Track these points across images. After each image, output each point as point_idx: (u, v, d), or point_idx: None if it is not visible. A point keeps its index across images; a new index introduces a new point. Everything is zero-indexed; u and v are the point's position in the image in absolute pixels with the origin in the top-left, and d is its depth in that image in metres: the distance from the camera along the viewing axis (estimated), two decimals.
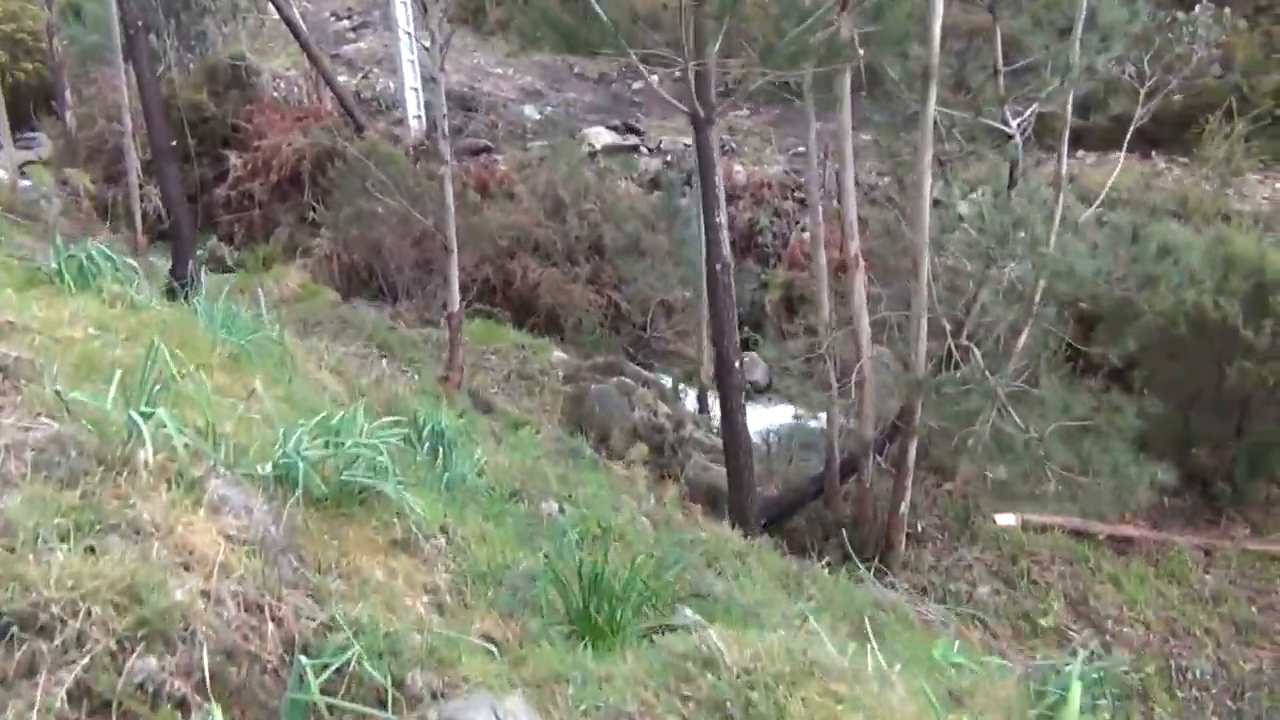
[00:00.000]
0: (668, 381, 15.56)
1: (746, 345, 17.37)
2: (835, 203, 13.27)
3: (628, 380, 13.36)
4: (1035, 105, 9.71)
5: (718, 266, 6.80)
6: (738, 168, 20.11)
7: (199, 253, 20.13)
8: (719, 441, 13.00)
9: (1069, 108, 10.28)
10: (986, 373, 9.28)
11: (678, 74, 7.03)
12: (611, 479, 7.53)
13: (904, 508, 10.26)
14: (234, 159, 20.72)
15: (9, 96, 26.25)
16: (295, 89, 24.34)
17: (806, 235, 18.74)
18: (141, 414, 2.92)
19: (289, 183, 20.01)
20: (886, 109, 10.02)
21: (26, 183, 21.88)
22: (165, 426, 2.74)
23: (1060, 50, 9.59)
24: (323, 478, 3.18)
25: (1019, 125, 9.62)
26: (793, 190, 19.54)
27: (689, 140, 21.57)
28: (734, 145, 21.65)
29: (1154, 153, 19.75)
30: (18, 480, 2.41)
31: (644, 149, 21.26)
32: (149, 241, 20.36)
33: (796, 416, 13.25)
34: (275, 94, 23.76)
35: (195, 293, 9.80)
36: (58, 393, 2.86)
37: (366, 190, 14.94)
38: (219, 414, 3.98)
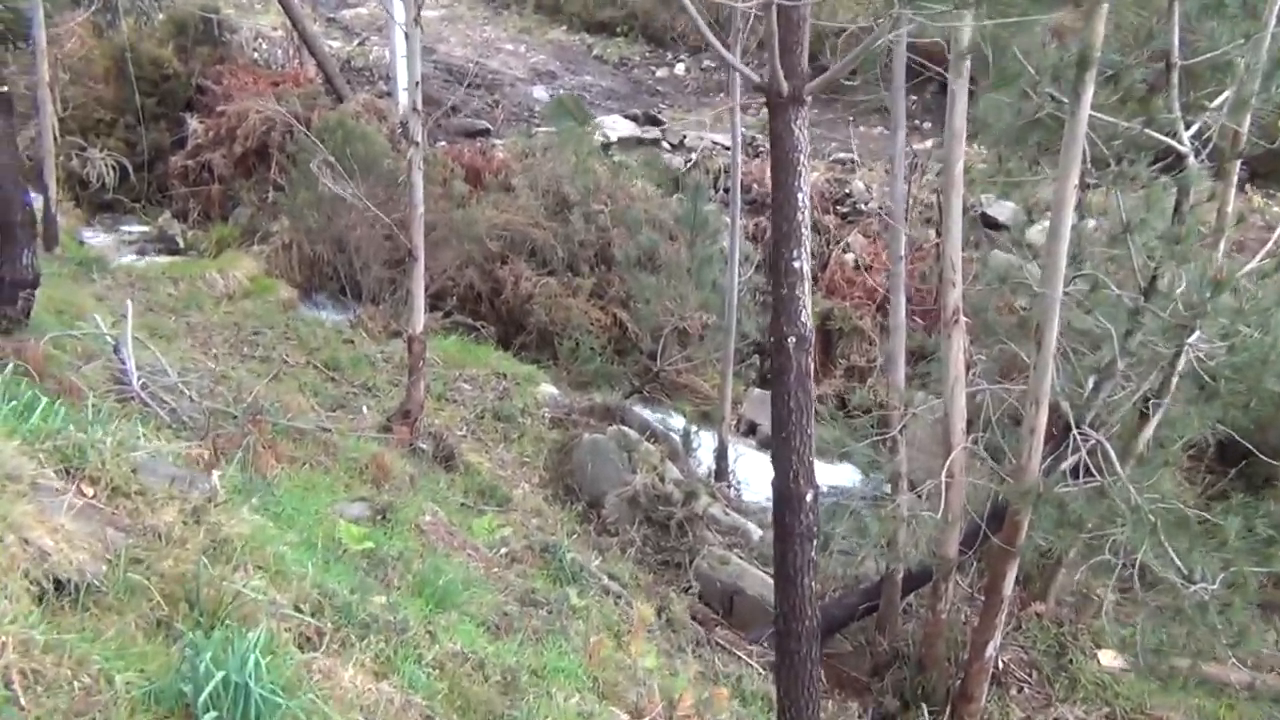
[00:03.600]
0: (678, 424, 12.87)
1: (766, 380, 14.74)
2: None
3: (629, 432, 10.67)
4: (1216, 115, 7.01)
5: (790, 339, 4.12)
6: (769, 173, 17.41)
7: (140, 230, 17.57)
8: (739, 520, 10.34)
9: (1245, 125, 7.59)
10: (1131, 488, 6.59)
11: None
12: (597, 655, 4.89)
13: (991, 649, 7.58)
14: (194, 124, 18.01)
15: None
16: (279, 51, 21.69)
17: (849, 256, 16.14)
18: None
19: (255, 156, 17.26)
20: (1007, 108, 7.29)
21: None
22: None
23: (1256, 41, 6.91)
24: None
25: (1194, 142, 6.93)
26: (835, 203, 16.85)
27: (718, 137, 18.92)
28: (767, 147, 18.98)
29: (1249, 186, 17.05)
30: None
31: (666, 144, 18.55)
32: (89, 214, 17.77)
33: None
34: (255, 56, 21.10)
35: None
36: None
37: (332, 170, 12.24)
38: None
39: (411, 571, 4.87)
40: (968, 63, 6.54)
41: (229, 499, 3.82)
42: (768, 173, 17.80)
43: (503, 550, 7.00)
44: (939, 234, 7.53)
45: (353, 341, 12.55)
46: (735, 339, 11.73)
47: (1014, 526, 7.24)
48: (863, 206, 16.76)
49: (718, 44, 4.89)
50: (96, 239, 16.87)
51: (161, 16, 20.03)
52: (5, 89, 6.78)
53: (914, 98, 18.72)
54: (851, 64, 4.40)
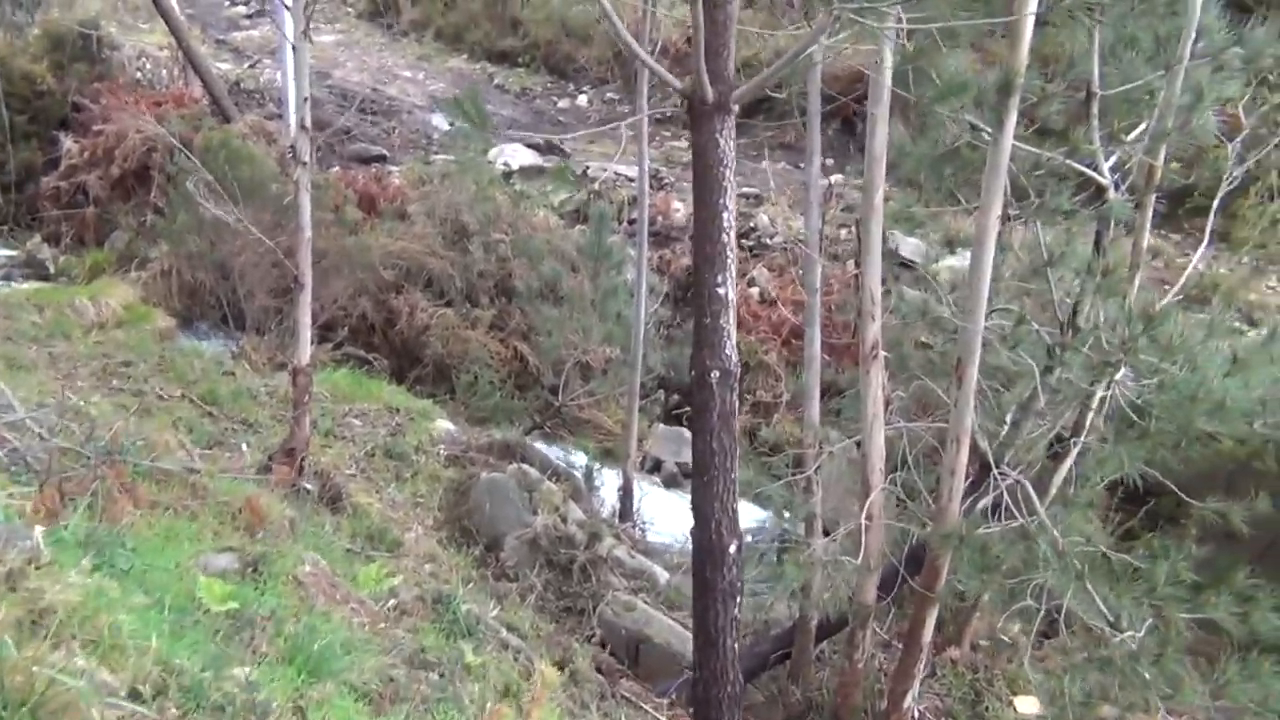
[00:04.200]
0: (581, 461, 12.39)
1: (680, 419, 14.38)
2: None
3: (529, 470, 10.15)
4: (1134, 148, 6.88)
5: (713, 373, 3.73)
6: (676, 205, 17.20)
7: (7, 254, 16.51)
8: (645, 563, 9.88)
9: (1162, 159, 7.49)
10: (1054, 530, 6.34)
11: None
12: None
13: (910, 699, 7.25)
14: (69, 143, 17.01)
15: None
16: (164, 71, 20.75)
17: (755, 290, 15.90)
18: None
19: (134, 178, 16.37)
20: (923, 137, 7.07)
21: None
22: None
23: (1172, 75, 6.80)
24: None
25: (1113, 174, 6.78)
26: (740, 237, 16.62)
27: (621, 168, 18.61)
28: (671, 179, 18.77)
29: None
30: None
31: (568, 175, 18.17)
32: None
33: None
34: (138, 75, 20.13)
35: None
36: None
37: (213, 191, 11.51)
38: None
39: (283, 634, 4.29)
40: (888, 84, 6.26)
41: (56, 559, 3.22)
42: (672, 203, 17.48)
43: (391, 602, 6.40)
44: (857, 265, 7.23)
45: (234, 374, 11.78)
46: (641, 373, 11.29)
47: (934, 571, 6.94)
48: (768, 240, 16.60)
49: (634, 45, 4.46)
50: None
51: (37, 31, 19.00)
52: None
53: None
54: (783, 69, 4.03)
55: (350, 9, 29.97)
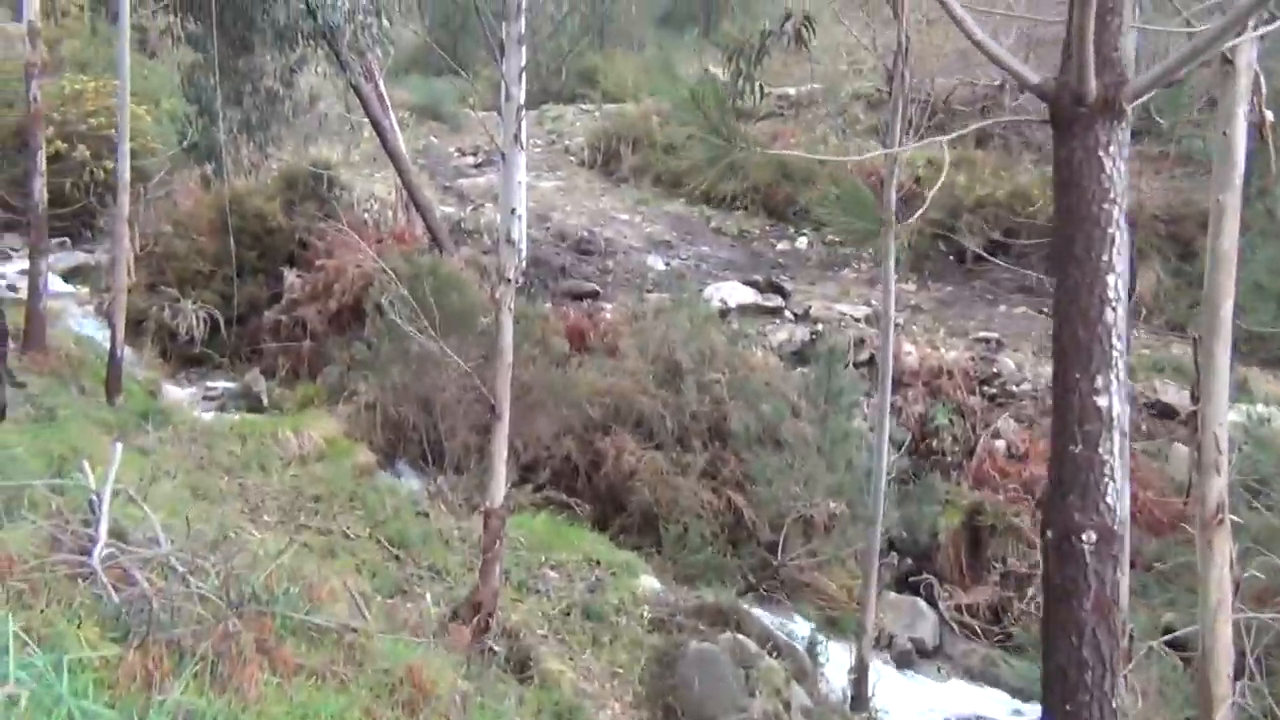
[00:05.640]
0: (800, 629, 10.80)
1: (914, 587, 12.61)
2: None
3: (746, 642, 8.67)
4: None
5: (1085, 535, 2.33)
6: (908, 348, 15.67)
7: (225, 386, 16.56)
8: None
9: None
10: None
11: None
12: None
13: None
14: (292, 278, 17.16)
15: (84, 196, 23.68)
16: (389, 212, 21.11)
17: (1000, 443, 14.09)
18: None
19: (350, 312, 16.22)
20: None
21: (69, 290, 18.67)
22: None
23: None
24: None
25: None
26: (981, 383, 14.93)
27: (845, 308, 17.34)
28: (899, 322, 17.29)
29: None
30: None
31: (788, 313, 17.02)
32: (176, 368, 16.92)
33: None
34: (364, 215, 20.49)
35: None
36: None
37: (416, 320, 10.88)
38: None
39: None
40: (1240, 158, 4.75)
41: None
42: (903, 345, 15.92)
43: None
44: (1194, 399, 5.53)
45: (428, 515, 10.93)
46: (881, 534, 9.71)
47: None
48: (1014, 388, 14.82)
49: (989, 43, 3.15)
50: (178, 392, 15.88)
51: (274, 173, 19.66)
52: None
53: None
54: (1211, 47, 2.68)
55: (573, 158, 30.45)
